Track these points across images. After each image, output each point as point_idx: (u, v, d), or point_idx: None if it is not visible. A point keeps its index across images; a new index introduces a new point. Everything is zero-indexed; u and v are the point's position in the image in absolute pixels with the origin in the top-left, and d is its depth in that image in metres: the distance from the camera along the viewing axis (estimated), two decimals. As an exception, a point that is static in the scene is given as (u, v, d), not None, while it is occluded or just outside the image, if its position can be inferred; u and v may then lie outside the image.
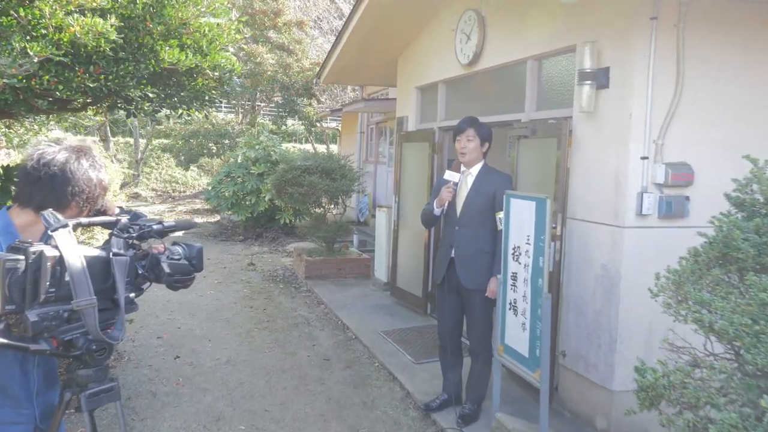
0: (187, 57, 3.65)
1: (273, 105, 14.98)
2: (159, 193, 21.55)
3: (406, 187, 6.77)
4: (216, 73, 4.16)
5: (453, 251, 3.82)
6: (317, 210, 8.74)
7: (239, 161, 11.87)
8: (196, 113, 4.27)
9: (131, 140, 21.88)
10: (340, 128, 17.86)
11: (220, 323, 6.13)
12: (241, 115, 17.88)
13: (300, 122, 15.53)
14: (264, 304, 6.95)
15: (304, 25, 15.26)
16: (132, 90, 3.47)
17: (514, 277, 3.40)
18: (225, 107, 23.69)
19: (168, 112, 4.38)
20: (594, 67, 3.67)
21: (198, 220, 14.89)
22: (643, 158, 3.51)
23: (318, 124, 17.40)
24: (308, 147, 20.94)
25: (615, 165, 3.60)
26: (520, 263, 3.33)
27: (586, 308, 3.83)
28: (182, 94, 4.01)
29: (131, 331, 5.60)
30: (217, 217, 14.63)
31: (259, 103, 16.74)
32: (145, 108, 3.85)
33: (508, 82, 5.02)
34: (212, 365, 4.94)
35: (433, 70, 6.25)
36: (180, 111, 4.19)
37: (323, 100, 17.12)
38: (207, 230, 13.06)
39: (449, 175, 3.74)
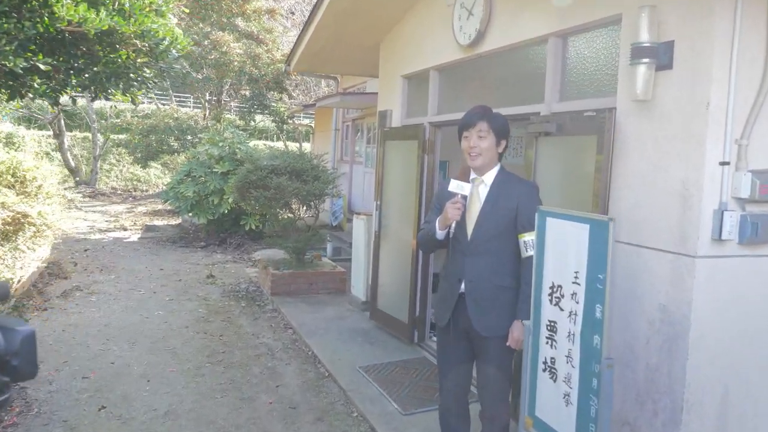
0: (98, 17, 2.61)
1: (240, 99, 13.86)
2: (119, 192, 20.22)
3: (389, 192, 5.79)
4: (145, 43, 3.11)
5: (462, 286, 2.86)
6: (286, 215, 7.72)
7: (202, 159, 10.79)
8: (120, 97, 3.22)
9: (90, 135, 20.49)
10: (313, 125, 16.80)
11: (164, 355, 5.06)
12: (207, 111, 16.70)
13: (270, 118, 14.43)
14: (221, 328, 5.90)
15: (276, 13, 14.16)
16: (12, 59, 2.42)
17: (552, 328, 2.45)
18: (193, 102, 22.47)
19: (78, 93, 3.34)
20: (653, 40, 2.74)
21: (158, 222, 13.70)
22: (723, 164, 2.60)
23: (290, 121, 16.32)
24: (280, 145, 19.84)
25: (682, 172, 2.68)
26: (562, 309, 2.38)
27: (634, 361, 2.90)
28: (95, 69, 2.96)
29: (49, 371, 4.52)
30: (179, 220, 13.47)
31: (227, 99, 15.59)
32: (36, 86, 2.79)
33: (521, 66, 4.08)
34: (147, 419, 3.89)
35: (423, 55, 5.28)
36: (95, 92, 3.14)
37: (295, 94, 16.04)
38: (166, 234, 11.91)
39: (455, 185, 2.77)
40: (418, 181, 5.20)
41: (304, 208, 7.70)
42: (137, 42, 3.06)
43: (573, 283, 2.32)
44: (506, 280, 2.82)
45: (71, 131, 21.54)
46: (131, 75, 3.23)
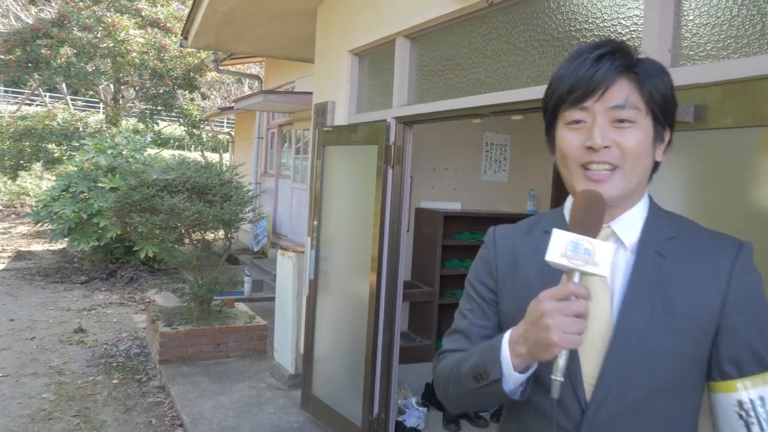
0: None
1: (142, 99, 11.56)
2: (0, 208, 17.16)
3: (332, 222, 3.93)
4: None
5: None
6: (185, 245, 5.68)
7: (87, 170, 8.52)
8: None
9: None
10: (233, 133, 14.66)
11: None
12: (108, 112, 14.20)
13: (179, 122, 12.20)
14: (68, 432, 3.80)
15: (188, -2, 12.03)
16: None
17: None
18: (90, 103, 19.72)
19: None
20: None
21: (37, 247, 11.15)
22: None
23: (206, 127, 14.10)
24: (197, 156, 17.48)
25: None
26: None
27: None
28: None
29: None
30: (64, 244, 10.95)
31: (133, 100, 13.18)
32: None
33: (580, 12, 2.31)
34: None
35: (385, 16, 3.48)
36: None
37: (212, 95, 13.87)
38: (41, 264, 9.46)
39: (566, 247, 0.95)
40: (380, 206, 3.37)
41: (216, 228, 5.70)
42: None
43: None
44: None
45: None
46: None
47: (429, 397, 4.24)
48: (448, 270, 4.79)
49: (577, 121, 1.07)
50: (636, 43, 1.98)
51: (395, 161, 3.36)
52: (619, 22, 2.08)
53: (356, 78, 3.93)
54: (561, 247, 0.96)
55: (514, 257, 1.18)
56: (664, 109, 1.07)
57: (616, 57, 1.05)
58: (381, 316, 3.49)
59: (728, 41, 1.74)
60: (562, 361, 0.95)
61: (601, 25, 2.16)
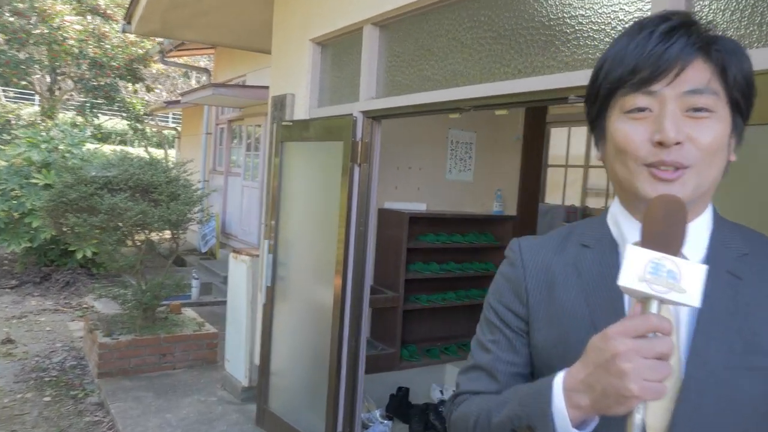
0: None
1: (81, 90, 10.88)
2: None
3: (291, 224, 3.65)
4: None
5: None
6: (128, 247, 5.25)
7: (18, 166, 7.88)
8: None
9: None
10: (180, 129, 14.05)
11: None
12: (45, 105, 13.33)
13: (122, 116, 11.56)
14: (-8, 459, 3.38)
15: (131, -15, 11.42)
16: None
17: None
18: (23, 94, 18.62)
19: None
20: None
21: (-38, 247, 10.30)
22: None
23: (151, 121, 13.44)
24: (141, 152, 16.70)
25: None
26: None
27: None
28: None
29: None
30: (-7, 245, 10.18)
31: (71, 92, 12.40)
32: None
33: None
34: None
35: (352, 3, 3.22)
36: None
37: (157, 89, 13.22)
38: (-34, 266, 8.73)
39: (641, 268, 0.73)
40: (345, 206, 3.12)
41: (164, 228, 5.29)
42: None
43: None
44: None
45: None
46: None
47: (393, 409, 4.01)
48: (413, 274, 4.56)
49: (641, 109, 0.85)
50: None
51: (362, 159, 3.10)
52: (621, 8, 1.89)
53: (318, 69, 3.65)
54: (638, 268, 0.74)
55: (548, 277, 0.96)
56: (747, 97, 0.87)
57: (692, 31, 0.84)
58: (346, 324, 3.24)
59: (751, 29, 1.58)
60: (639, 417, 0.73)
61: (599, 11, 1.97)
